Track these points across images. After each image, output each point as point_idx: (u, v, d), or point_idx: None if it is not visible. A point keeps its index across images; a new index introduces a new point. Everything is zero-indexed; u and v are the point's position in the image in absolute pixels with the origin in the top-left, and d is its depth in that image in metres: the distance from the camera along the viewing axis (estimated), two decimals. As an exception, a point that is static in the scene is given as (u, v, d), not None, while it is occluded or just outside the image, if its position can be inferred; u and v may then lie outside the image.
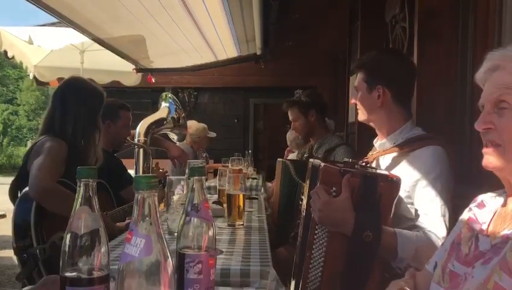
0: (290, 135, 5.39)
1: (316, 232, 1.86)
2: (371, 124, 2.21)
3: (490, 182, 1.38)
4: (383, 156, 2.13)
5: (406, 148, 2.02)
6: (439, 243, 1.81)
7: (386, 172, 1.94)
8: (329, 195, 1.81)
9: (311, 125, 3.72)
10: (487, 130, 1.23)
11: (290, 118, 3.85)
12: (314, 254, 1.85)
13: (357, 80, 2.21)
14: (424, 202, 1.91)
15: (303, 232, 2.04)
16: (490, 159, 1.23)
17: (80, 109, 2.67)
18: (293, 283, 2.01)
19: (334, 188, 1.81)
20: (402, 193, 1.91)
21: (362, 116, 2.20)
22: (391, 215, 1.83)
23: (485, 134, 1.25)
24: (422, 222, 1.89)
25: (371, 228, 1.75)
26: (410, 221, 1.93)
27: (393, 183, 1.81)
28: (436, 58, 2.72)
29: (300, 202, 2.43)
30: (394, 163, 2.05)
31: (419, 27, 2.81)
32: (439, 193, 1.89)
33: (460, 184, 2.29)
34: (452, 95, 2.68)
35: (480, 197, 1.39)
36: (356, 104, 2.21)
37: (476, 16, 2.53)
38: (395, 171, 1.97)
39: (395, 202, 1.82)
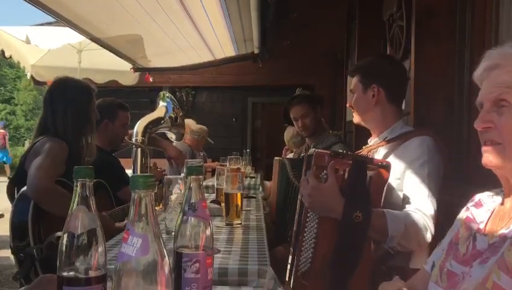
0: (287, 134, 5.34)
1: (308, 215, 1.92)
2: (366, 124, 2.30)
3: (488, 181, 1.38)
4: (376, 150, 2.21)
5: (396, 140, 2.12)
6: (426, 220, 1.89)
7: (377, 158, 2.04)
8: (318, 180, 1.88)
9: (318, 121, 3.70)
10: (487, 129, 1.23)
11: (297, 115, 3.74)
12: (306, 236, 1.90)
13: (352, 83, 2.32)
14: (412, 185, 1.99)
15: (297, 220, 2.07)
16: (490, 157, 1.23)
17: (67, 108, 2.69)
18: (288, 269, 2.02)
19: (325, 172, 1.87)
20: (393, 181, 1.99)
21: (357, 118, 2.31)
22: (382, 200, 1.90)
23: (484, 133, 1.24)
24: (410, 202, 1.96)
25: (360, 208, 1.80)
26: (398, 207, 1.99)
27: (384, 167, 1.88)
28: (433, 57, 2.72)
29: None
30: (386, 155, 2.13)
31: (416, 26, 2.81)
32: (426, 176, 1.97)
33: (459, 183, 2.30)
34: (450, 94, 2.68)
35: (478, 197, 1.40)
36: (352, 107, 2.32)
37: (473, 14, 2.53)
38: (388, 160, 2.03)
39: (385, 187, 1.89)
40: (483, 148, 1.25)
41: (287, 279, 1.99)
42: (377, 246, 1.91)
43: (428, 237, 1.89)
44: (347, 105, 2.40)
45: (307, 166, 2.11)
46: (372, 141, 2.29)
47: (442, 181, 2.02)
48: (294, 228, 2.12)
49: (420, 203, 1.93)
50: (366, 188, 1.84)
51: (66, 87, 2.78)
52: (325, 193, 1.84)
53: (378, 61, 2.37)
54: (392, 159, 2.05)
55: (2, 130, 18.82)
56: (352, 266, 1.81)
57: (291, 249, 2.07)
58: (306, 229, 1.91)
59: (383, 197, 1.90)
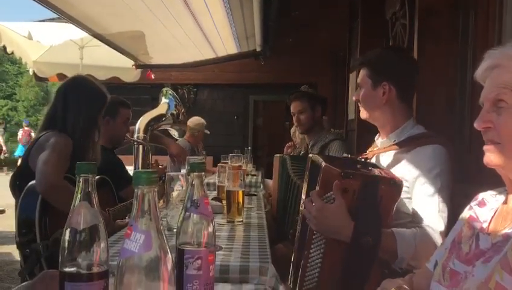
0: (294, 128, 5.35)
1: (314, 235, 1.83)
2: (373, 122, 2.18)
3: (491, 181, 1.38)
4: (383, 153, 2.11)
5: (406, 146, 2.00)
6: (436, 237, 1.82)
7: (388, 173, 1.89)
8: (322, 201, 1.78)
9: (315, 120, 3.72)
10: (486, 128, 1.23)
11: (295, 110, 3.80)
12: (312, 253, 1.83)
13: (360, 76, 2.17)
14: (422, 198, 1.90)
15: (301, 226, 2.03)
16: (491, 156, 1.23)
17: (81, 107, 2.67)
18: (291, 277, 2.01)
19: (331, 192, 1.76)
20: (403, 193, 1.87)
21: (365, 113, 2.16)
22: (391, 217, 1.80)
23: (484, 133, 1.25)
24: (419, 217, 1.88)
25: (370, 232, 1.72)
26: (408, 217, 1.92)
27: (395, 187, 1.76)
28: (436, 56, 2.72)
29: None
30: (395, 160, 2.03)
31: (419, 24, 2.81)
32: (438, 190, 1.87)
33: (461, 183, 2.29)
34: (452, 93, 2.68)
35: (481, 196, 1.39)
36: (358, 101, 2.18)
37: (476, 14, 2.52)
38: (396, 168, 1.97)
39: (396, 205, 1.79)
40: (485, 148, 1.26)
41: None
42: (384, 266, 1.84)
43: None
44: (353, 99, 2.25)
45: (311, 175, 2.03)
46: (379, 140, 2.18)
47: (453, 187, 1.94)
48: (297, 233, 2.08)
49: (430, 219, 1.85)
50: (377, 210, 1.73)
51: (85, 87, 2.76)
52: (332, 215, 1.74)
53: (389, 55, 2.18)
54: (401, 165, 1.98)
55: (26, 128, 19.18)
56: (360, 287, 1.75)
57: (294, 256, 2.03)
58: (312, 247, 1.83)
59: (392, 212, 1.80)
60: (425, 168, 1.90)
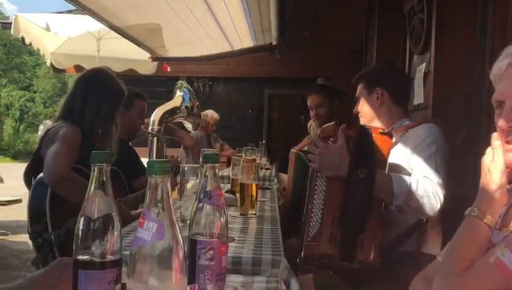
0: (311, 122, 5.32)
1: (316, 183, 2.01)
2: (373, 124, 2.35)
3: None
4: None
5: (402, 130, 2.21)
6: (434, 187, 1.93)
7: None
8: (326, 143, 2.01)
9: (333, 113, 3.69)
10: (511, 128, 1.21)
11: (312, 104, 3.80)
12: (315, 202, 1.98)
13: (358, 90, 2.44)
14: (419, 161, 2.04)
15: (309, 183, 2.16)
16: None
17: (103, 100, 2.67)
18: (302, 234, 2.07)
19: (331, 139, 2.01)
20: (404, 164, 2.08)
21: (364, 121, 2.39)
22: (387, 165, 2.00)
23: (509, 132, 1.22)
24: (416, 171, 2.02)
25: (365, 165, 1.88)
26: None
27: (386, 134, 2.02)
28: (453, 50, 2.70)
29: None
30: (394, 144, 2.16)
31: (437, 18, 2.78)
32: (433, 153, 2.04)
33: (475, 178, 2.27)
34: (469, 88, 2.65)
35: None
36: (358, 112, 2.43)
37: (495, 7, 2.49)
38: (395, 149, 2.13)
39: (389, 152, 2.01)
40: (506, 147, 1.23)
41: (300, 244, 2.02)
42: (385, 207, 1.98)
43: (437, 203, 1.92)
44: (354, 111, 2.49)
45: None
46: None
47: (449, 165, 2.07)
48: (306, 200, 2.20)
49: (427, 172, 1.98)
50: (371, 150, 1.94)
51: (107, 80, 2.76)
52: (334, 152, 1.96)
53: (381, 68, 2.55)
54: (400, 146, 2.14)
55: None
56: (360, 226, 1.84)
57: (303, 220, 2.12)
58: (315, 196, 1.99)
59: (387, 164, 2.00)
60: (420, 139, 2.09)
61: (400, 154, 2.09)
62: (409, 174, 2.04)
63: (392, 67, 2.62)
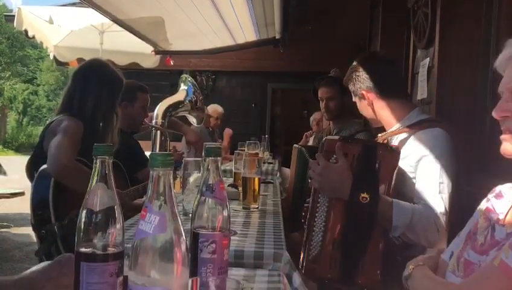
0: (317, 116, 5.28)
1: (319, 200, 1.94)
2: (378, 124, 2.29)
3: (509, 172, 1.36)
4: (391, 137, 2.19)
5: (412, 129, 2.08)
6: (436, 218, 1.87)
7: (388, 144, 2.06)
8: (328, 162, 1.91)
9: (344, 107, 3.64)
10: (504, 118, 1.22)
11: (323, 95, 3.73)
12: (316, 221, 1.92)
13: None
14: (423, 180, 1.96)
15: (311, 199, 2.08)
16: (507, 146, 1.22)
17: (102, 91, 2.68)
18: (301, 255, 2.04)
19: (334, 156, 1.90)
20: (407, 169, 1.99)
21: (374, 124, 2.34)
22: (392, 186, 1.90)
23: (502, 122, 1.23)
24: (420, 197, 1.94)
25: (368, 190, 1.81)
26: (411, 199, 1.97)
27: (393, 153, 1.90)
28: (458, 45, 2.68)
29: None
30: (400, 144, 2.10)
31: (441, 12, 2.76)
32: (438, 172, 1.94)
33: (479, 173, 2.27)
34: (473, 83, 2.64)
35: (499, 188, 1.38)
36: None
37: (500, 2, 2.47)
38: (401, 151, 2.02)
39: (395, 171, 1.90)
40: (502, 137, 1.25)
41: (300, 266, 1.99)
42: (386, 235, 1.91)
43: (437, 236, 1.87)
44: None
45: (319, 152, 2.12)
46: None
47: (457, 171, 1.99)
48: (308, 214, 2.13)
49: (430, 201, 1.90)
50: (375, 172, 1.85)
51: (104, 71, 2.78)
52: (335, 172, 1.87)
53: (353, 69, 2.28)
54: (406, 148, 2.04)
55: None
56: (362, 250, 1.82)
57: (305, 236, 2.08)
58: (317, 214, 1.93)
59: (393, 181, 1.90)
60: (426, 151, 1.98)
61: (407, 157, 1.99)
62: (411, 187, 1.98)
63: (366, 61, 2.30)
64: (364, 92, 2.21)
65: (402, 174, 1.98)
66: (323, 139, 2.05)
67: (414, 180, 2.00)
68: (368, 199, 1.80)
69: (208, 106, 6.62)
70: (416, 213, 1.87)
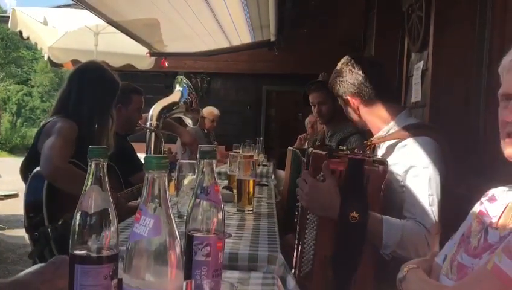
0: (311, 119, 5.28)
1: (308, 216, 1.92)
2: (366, 127, 2.25)
3: (503, 175, 1.36)
4: (378, 145, 2.16)
5: (400, 134, 2.05)
6: (426, 234, 1.85)
7: (374, 156, 2.00)
8: (315, 180, 1.87)
9: (336, 111, 3.64)
10: None
11: (314, 100, 3.73)
12: (306, 238, 1.91)
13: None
14: (412, 192, 1.93)
15: (300, 217, 2.07)
16: None
17: (97, 93, 2.68)
18: (293, 266, 2.03)
19: (321, 173, 1.87)
20: (395, 178, 1.95)
21: (354, 120, 2.29)
22: (380, 200, 1.86)
23: (510, 125, 1.21)
24: (410, 211, 1.91)
25: (357, 209, 1.78)
26: (401, 210, 1.94)
27: (380, 167, 1.85)
28: (451, 48, 2.70)
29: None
30: (388, 152, 2.08)
31: (435, 16, 2.78)
32: (427, 184, 1.91)
33: (472, 176, 2.28)
34: (467, 85, 2.66)
35: (492, 191, 1.38)
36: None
37: (494, 5, 2.49)
38: (389, 160, 1.98)
39: (383, 186, 1.85)
40: (507, 141, 1.23)
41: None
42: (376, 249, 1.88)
43: (428, 250, 1.84)
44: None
45: (306, 165, 2.08)
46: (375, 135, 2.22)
47: (445, 177, 1.96)
48: (298, 221, 2.11)
49: (421, 215, 1.88)
50: (363, 188, 1.82)
51: (100, 73, 2.77)
52: (323, 192, 1.84)
53: (337, 74, 2.22)
54: (393, 156, 2.01)
55: None
56: (353, 267, 1.80)
57: (295, 249, 2.07)
58: (306, 231, 1.91)
59: (381, 194, 1.86)
60: (414, 161, 1.95)
61: (395, 165, 1.96)
62: (400, 198, 1.95)
63: (346, 68, 2.19)
64: (349, 98, 2.17)
65: (390, 182, 1.94)
66: (310, 151, 2.01)
67: (402, 189, 1.96)
68: (358, 218, 1.78)
69: (203, 108, 6.62)
70: (406, 229, 1.85)
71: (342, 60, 2.22)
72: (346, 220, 1.78)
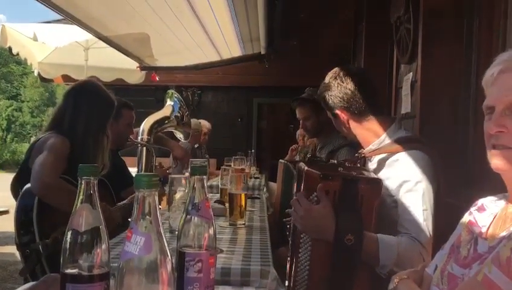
0: (302, 131, 5.31)
1: (302, 236, 1.88)
2: (356, 140, 2.23)
3: (492, 185, 1.37)
4: (369, 158, 2.14)
5: (391, 148, 2.03)
6: (419, 248, 1.84)
7: (368, 174, 1.96)
8: (310, 202, 1.84)
9: (322, 125, 3.66)
10: (499, 133, 1.21)
11: (299, 116, 3.76)
12: (300, 257, 1.87)
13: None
14: (406, 207, 1.91)
15: (292, 233, 2.05)
16: (501, 162, 1.21)
17: (93, 111, 2.68)
18: (286, 282, 2.02)
19: (315, 194, 1.83)
20: (388, 193, 1.93)
21: (344, 133, 2.26)
22: (374, 218, 1.83)
23: (497, 137, 1.22)
24: (405, 227, 1.90)
25: (352, 231, 1.76)
26: (394, 225, 1.93)
27: (374, 186, 1.82)
28: (440, 60, 2.72)
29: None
30: (380, 166, 2.06)
31: (423, 29, 2.81)
32: (420, 199, 1.90)
33: (462, 186, 2.29)
34: (456, 97, 2.68)
35: (481, 201, 1.39)
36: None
37: (480, 18, 2.52)
38: (381, 174, 1.99)
39: (376, 204, 1.83)
40: (492, 152, 1.23)
41: None
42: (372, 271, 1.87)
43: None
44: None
45: (298, 181, 2.07)
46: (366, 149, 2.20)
47: (436, 190, 1.96)
48: (290, 238, 2.10)
49: (416, 231, 1.87)
50: (357, 208, 1.79)
51: (98, 93, 2.77)
52: (318, 215, 1.81)
53: (325, 88, 2.18)
54: (385, 171, 2.01)
55: None
56: (348, 287, 1.78)
57: (288, 267, 2.05)
58: (300, 250, 1.88)
59: (374, 215, 1.84)
60: (407, 176, 1.93)
61: (388, 179, 1.94)
62: (394, 214, 1.93)
63: (334, 82, 2.14)
64: (338, 112, 2.14)
65: (383, 198, 1.92)
66: (302, 168, 1.96)
67: (395, 204, 1.95)
68: (353, 240, 1.75)
69: (199, 120, 6.60)
70: (401, 246, 1.84)
71: (330, 74, 2.18)
72: (341, 243, 1.76)
